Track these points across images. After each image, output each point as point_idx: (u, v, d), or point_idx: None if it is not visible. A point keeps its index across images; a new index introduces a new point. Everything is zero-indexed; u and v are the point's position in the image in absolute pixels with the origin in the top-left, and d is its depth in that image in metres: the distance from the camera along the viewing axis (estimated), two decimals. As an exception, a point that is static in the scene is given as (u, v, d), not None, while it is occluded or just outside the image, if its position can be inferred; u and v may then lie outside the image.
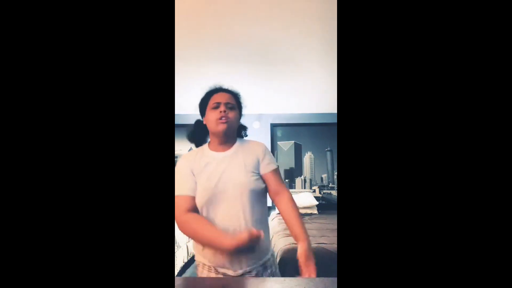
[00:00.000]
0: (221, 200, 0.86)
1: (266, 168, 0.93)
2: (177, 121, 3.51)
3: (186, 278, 0.69)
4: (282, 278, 0.64)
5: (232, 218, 0.85)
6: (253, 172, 0.91)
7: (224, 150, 0.95)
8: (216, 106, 0.92)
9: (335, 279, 0.57)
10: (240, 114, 1.00)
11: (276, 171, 0.96)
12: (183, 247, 2.36)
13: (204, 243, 0.84)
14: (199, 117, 1.02)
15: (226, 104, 0.92)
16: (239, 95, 1.02)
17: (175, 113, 3.51)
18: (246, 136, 1.08)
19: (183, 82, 2.60)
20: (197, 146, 1.03)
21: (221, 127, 0.90)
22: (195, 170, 0.91)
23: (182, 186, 0.90)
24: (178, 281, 0.61)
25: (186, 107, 3.33)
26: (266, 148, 1.00)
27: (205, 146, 1.00)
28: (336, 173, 3.49)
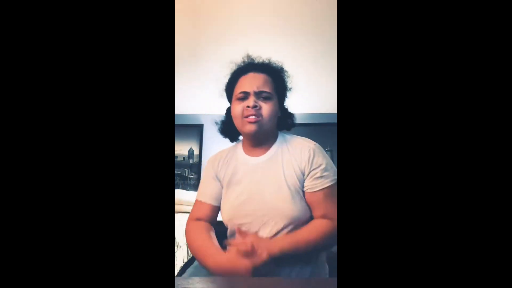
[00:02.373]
0: (250, 225, 0.64)
1: (313, 184, 0.61)
2: (177, 121, 3.51)
3: (186, 278, 0.69)
4: (279, 278, 0.63)
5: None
6: (297, 190, 0.62)
7: (258, 154, 0.68)
8: (243, 97, 0.64)
9: (335, 279, 0.57)
10: (282, 101, 0.70)
11: (330, 189, 0.61)
12: (183, 247, 2.35)
13: (195, 256, 0.65)
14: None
15: (257, 94, 0.63)
16: (283, 71, 0.70)
17: (175, 113, 3.50)
18: (293, 125, 0.74)
19: (183, 82, 2.60)
20: (231, 141, 0.78)
21: (248, 128, 0.63)
22: (220, 175, 0.71)
23: (201, 191, 0.75)
24: (178, 281, 0.61)
25: (186, 107, 3.33)
26: (317, 150, 0.66)
27: (240, 144, 0.74)
28: (336, 173, 3.47)
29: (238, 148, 0.73)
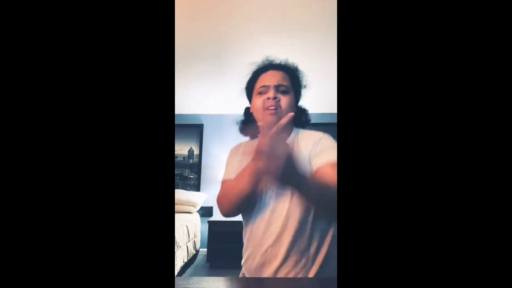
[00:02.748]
0: (265, 210, 0.65)
1: (318, 158, 0.61)
2: (177, 121, 3.51)
3: (186, 278, 0.69)
4: (279, 278, 0.63)
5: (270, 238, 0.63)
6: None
7: None
8: (264, 91, 0.70)
9: (335, 279, 0.57)
10: (298, 97, 0.76)
11: (334, 166, 0.60)
12: (183, 247, 2.35)
13: (247, 180, 0.61)
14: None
15: (276, 87, 0.69)
16: (297, 71, 0.77)
17: (175, 113, 3.51)
18: (309, 122, 0.79)
19: (183, 82, 2.60)
20: (251, 138, 0.80)
21: (269, 119, 0.66)
22: (242, 162, 0.72)
23: (228, 171, 0.74)
24: (178, 281, 0.61)
25: (186, 107, 3.33)
26: (324, 137, 0.68)
27: (251, 142, 0.78)
28: (336, 173, 3.47)
29: (255, 143, 0.73)
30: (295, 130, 0.75)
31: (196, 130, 3.56)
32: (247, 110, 0.80)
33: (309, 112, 0.82)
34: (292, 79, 0.74)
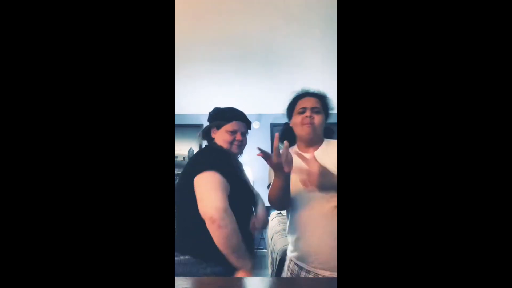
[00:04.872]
0: (304, 205, 0.89)
1: None
2: (177, 121, 3.51)
3: (186, 278, 0.69)
4: (279, 278, 0.63)
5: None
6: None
7: (311, 151, 0.97)
8: (302, 111, 0.96)
9: (335, 279, 0.57)
10: (326, 116, 1.02)
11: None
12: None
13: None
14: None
15: (312, 109, 0.95)
16: (326, 97, 1.04)
17: (175, 113, 3.51)
18: (335, 137, 1.06)
19: (183, 82, 2.60)
20: (291, 144, 1.06)
21: (306, 129, 0.94)
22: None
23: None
24: (178, 281, 0.61)
25: (186, 107, 3.33)
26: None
27: (295, 146, 1.03)
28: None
29: (294, 148, 1.03)
30: (326, 141, 1.00)
31: (196, 130, 3.56)
32: (286, 124, 1.07)
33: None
34: (322, 103, 1.00)
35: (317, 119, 0.95)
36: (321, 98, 1.01)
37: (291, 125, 1.02)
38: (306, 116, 0.94)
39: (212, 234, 0.78)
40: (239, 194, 0.90)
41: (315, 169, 0.77)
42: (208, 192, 0.82)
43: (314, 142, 0.98)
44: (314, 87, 1.07)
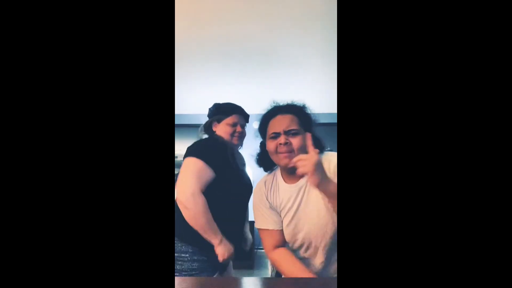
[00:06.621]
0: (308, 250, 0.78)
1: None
2: (177, 121, 3.51)
3: (186, 278, 0.69)
4: (279, 278, 0.63)
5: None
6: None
7: (296, 180, 0.78)
8: (275, 136, 0.75)
9: (335, 279, 0.57)
10: (310, 128, 0.80)
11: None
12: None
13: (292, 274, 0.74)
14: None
15: (286, 132, 0.74)
16: (305, 108, 0.82)
17: (175, 113, 3.51)
18: (324, 148, 0.82)
19: (183, 82, 2.60)
20: (265, 170, 0.90)
21: (283, 162, 0.74)
22: (273, 204, 0.82)
23: (264, 221, 0.82)
24: (178, 280, 0.61)
25: (186, 107, 3.33)
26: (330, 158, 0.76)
27: (278, 171, 0.84)
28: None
29: (277, 175, 0.83)
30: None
31: (196, 130, 3.54)
32: (262, 144, 0.86)
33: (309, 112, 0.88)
34: (301, 118, 0.78)
35: (296, 143, 0.73)
36: (298, 112, 0.79)
37: (267, 149, 0.80)
38: (281, 144, 0.73)
39: (182, 214, 0.87)
40: (232, 183, 0.95)
41: (314, 157, 0.64)
42: (183, 176, 0.90)
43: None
44: (288, 97, 0.83)
